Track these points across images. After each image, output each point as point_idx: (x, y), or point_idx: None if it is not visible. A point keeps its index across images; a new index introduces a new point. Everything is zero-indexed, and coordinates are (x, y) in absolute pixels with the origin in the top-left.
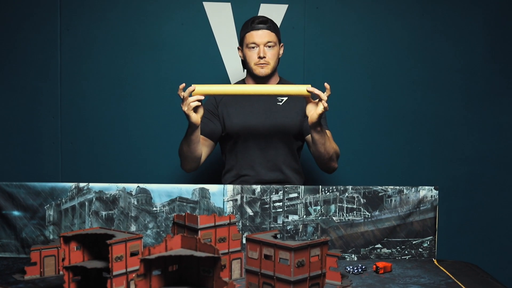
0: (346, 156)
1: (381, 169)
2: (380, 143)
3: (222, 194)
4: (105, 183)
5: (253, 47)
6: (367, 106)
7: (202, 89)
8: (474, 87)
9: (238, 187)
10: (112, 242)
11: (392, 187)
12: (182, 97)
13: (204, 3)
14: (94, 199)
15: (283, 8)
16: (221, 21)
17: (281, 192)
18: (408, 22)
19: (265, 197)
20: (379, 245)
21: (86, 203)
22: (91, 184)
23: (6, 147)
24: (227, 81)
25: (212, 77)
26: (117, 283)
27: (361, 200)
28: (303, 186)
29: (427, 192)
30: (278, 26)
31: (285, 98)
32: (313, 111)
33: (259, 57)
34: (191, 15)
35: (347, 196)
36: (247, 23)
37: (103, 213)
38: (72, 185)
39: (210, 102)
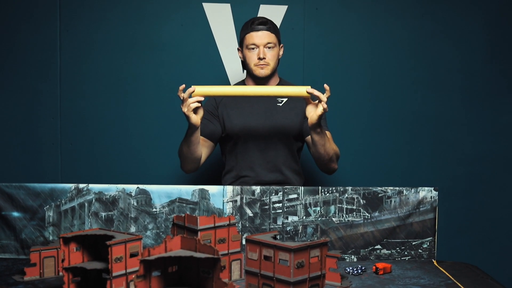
0: (346, 157)
1: (380, 170)
2: (380, 144)
3: (221, 195)
4: (105, 184)
5: (253, 48)
6: (366, 107)
7: (202, 90)
8: (474, 87)
9: (238, 188)
10: (111, 243)
11: (391, 188)
12: (182, 98)
13: (203, 4)
14: (93, 200)
15: (283, 9)
16: (221, 22)
17: (281, 193)
18: (408, 23)
19: (264, 198)
20: (378, 246)
21: (86, 204)
22: (90, 185)
23: (6, 148)
24: (227, 82)
25: (211, 78)
26: (117, 284)
27: (361, 201)
28: (302, 187)
29: (427, 193)
30: (278, 27)
31: (285, 99)
32: (313, 113)
33: (259, 58)
34: (190, 16)
35: (346, 197)
36: (247, 24)
37: (103, 214)
38: (71, 186)
39: (210, 103)
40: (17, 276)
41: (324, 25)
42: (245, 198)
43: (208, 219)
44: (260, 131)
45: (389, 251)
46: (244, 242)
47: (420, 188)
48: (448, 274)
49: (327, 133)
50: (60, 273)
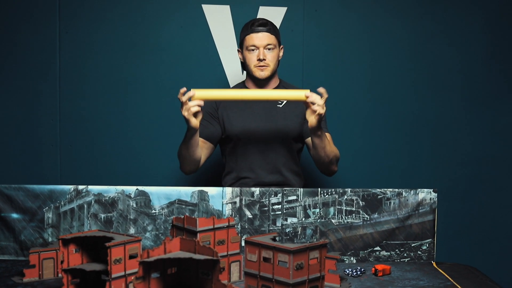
0: (345, 158)
1: (380, 171)
2: (379, 146)
3: (221, 197)
4: (104, 185)
5: (253, 50)
6: (366, 108)
7: (202, 94)
8: (474, 89)
9: (237, 189)
10: (111, 245)
11: (391, 189)
12: (182, 101)
13: (203, 5)
14: (93, 202)
15: (282, 10)
16: (220, 23)
17: (280, 194)
18: (408, 24)
19: (264, 200)
20: (378, 248)
21: (85, 206)
22: (90, 187)
23: (5, 149)
24: (226, 83)
25: (211, 79)
26: (116, 285)
27: (360, 202)
28: (302, 189)
29: (426, 194)
30: (278, 28)
31: (285, 101)
32: (312, 116)
33: (259, 60)
34: (190, 18)
35: (346, 199)
36: (247, 25)
37: (102, 215)
38: (71, 187)
39: (210, 105)
40: (16, 278)
41: (323, 26)
42: (244, 199)
43: (207, 221)
44: (260, 133)
45: (388, 253)
46: (243, 244)
47: (419, 189)
48: (447, 276)
49: (327, 135)
50: (59, 275)
